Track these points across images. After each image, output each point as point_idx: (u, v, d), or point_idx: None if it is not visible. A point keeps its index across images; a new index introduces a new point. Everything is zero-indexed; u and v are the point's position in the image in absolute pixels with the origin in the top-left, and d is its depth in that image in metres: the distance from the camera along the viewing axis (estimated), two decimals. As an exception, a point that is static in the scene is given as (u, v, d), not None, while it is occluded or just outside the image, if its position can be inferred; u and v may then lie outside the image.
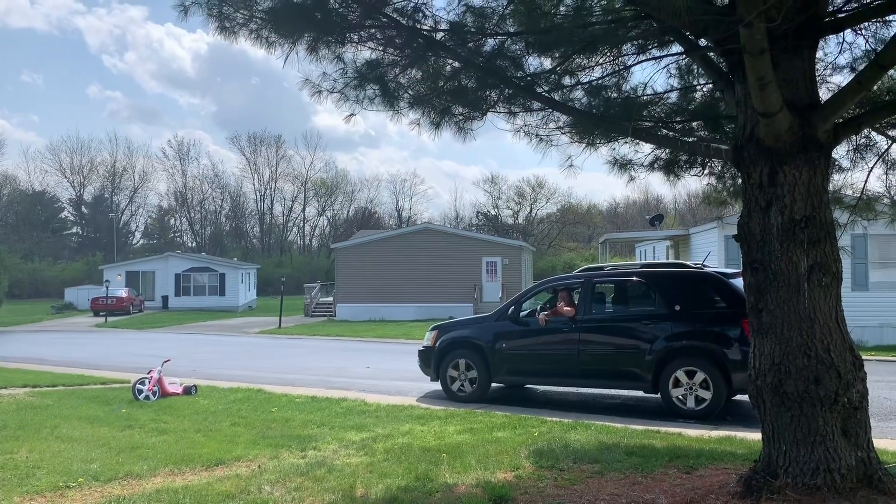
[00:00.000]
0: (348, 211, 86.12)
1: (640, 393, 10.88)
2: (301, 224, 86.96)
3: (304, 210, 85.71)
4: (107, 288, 43.52)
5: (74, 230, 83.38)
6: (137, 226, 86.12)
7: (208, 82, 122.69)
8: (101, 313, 41.89)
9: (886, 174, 7.34)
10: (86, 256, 70.60)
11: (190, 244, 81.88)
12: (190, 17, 6.15)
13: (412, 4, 5.99)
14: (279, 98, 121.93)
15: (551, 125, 7.34)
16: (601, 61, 6.88)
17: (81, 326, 36.19)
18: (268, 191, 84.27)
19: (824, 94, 5.67)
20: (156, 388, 11.50)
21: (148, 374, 11.85)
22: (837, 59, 6.54)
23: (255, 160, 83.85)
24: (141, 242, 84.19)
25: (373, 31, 6.26)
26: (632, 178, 8.03)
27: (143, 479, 6.42)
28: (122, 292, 45.46)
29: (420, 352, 12.12)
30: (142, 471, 6.68)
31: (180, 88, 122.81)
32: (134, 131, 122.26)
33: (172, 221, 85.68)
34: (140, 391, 11.37)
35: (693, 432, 8.27)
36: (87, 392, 12.55)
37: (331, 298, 41.64)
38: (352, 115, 6.71)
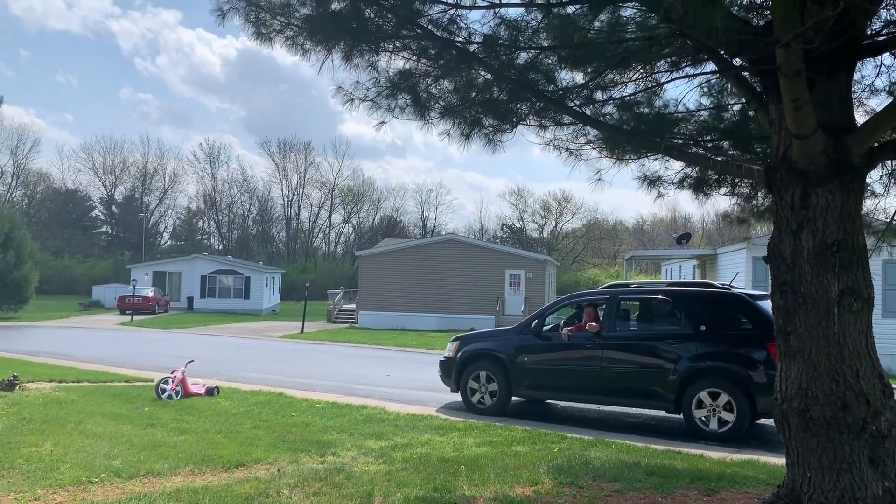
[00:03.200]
0: (373, 219, 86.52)
1: (661, 412, 10.78)
2: (327, 230, 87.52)
3: (330, 216, 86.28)
4: (134, 287, 44.08)
5: (104, 229, 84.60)
6: (166, 227, 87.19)
7: (238, 87, 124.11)
8: (127, 312, 42.38)
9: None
10: (114, 255, 71.57)
11: (217, 246, 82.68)
12: (227, 21, 6.26)
13: (447, 16, 6.03)
14: (307, 105, 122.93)
15: (581, 140, 7.34)
16: (634, 77, 6.87)
17: (108, 324, 36.66)
18: (295, 196, 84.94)
19: (860, 117, 5.61)
20: (178, 388, 11.60)
21: (171, 373, 11.96)
22: (875, 82, 6.48)
23: (284, 166, 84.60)
24: (168, 243, 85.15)
25: (407, 41, 6.31)
26: (660, 195, 8.00)
27: (164, 478, 6.48)
28: (149, 292, 45.99)
29: (441, 362, 12.11)
30: (163, 469, 6.74)
31: (210, 93, 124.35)
32: (164, 133, 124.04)
33: (200, 224, 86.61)
34: (163, 390, 11.49)
35: (715, 454, 8.18)
36: (111, 389, 12.71)
37: (353, 305, 41.79)
38: (382, 122, 6.76)
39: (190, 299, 50.68)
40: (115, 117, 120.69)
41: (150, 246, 78.33)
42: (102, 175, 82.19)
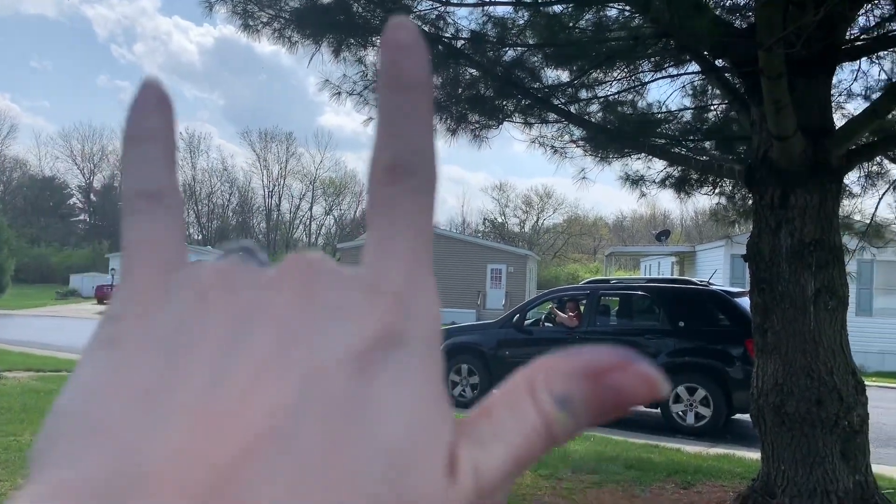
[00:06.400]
0: (355, 211, 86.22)
1: (640, 407, 10.91)
2: (308, 222, 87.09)
3: (311, 208, 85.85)
4: (112, 276, 43.69)
5: (82, 217, 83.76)
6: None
7: (216, 76, 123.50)
8: (105, 301, 41.92)
9: (896, 202, 7.38)
10: (92, 244, 70.86)
11: (196, 237, 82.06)
12: (214, 13, 6.27)
13: (435, 12, 6.08)
14: (287, 94, 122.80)
15: (566, 138, 7.42)
16: (618, 76, 6.97)
17: (86, 313, 36.32)
18: (276, 187, 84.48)
19: (838, 121, 5.73)
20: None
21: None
22: (852, 86, 6.62)
23: (264, 156, 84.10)
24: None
25: (395, 35, 6.34)
26: (643, 195, 8.10)
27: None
28: (127, 282, 45.47)
29: (423, 355, 12.16)
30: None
31: (188, 81, 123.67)
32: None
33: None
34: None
35: (692, 448, 8.31)
36: (90, 379, 12.62)
37: (334, 298, 41.66)
38: (370, 119, 6.79)
39: (169, 290, 50.19)
40: (92, 105, 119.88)
41: (129, 235, 77.48)
42: (81, 163, 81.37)
